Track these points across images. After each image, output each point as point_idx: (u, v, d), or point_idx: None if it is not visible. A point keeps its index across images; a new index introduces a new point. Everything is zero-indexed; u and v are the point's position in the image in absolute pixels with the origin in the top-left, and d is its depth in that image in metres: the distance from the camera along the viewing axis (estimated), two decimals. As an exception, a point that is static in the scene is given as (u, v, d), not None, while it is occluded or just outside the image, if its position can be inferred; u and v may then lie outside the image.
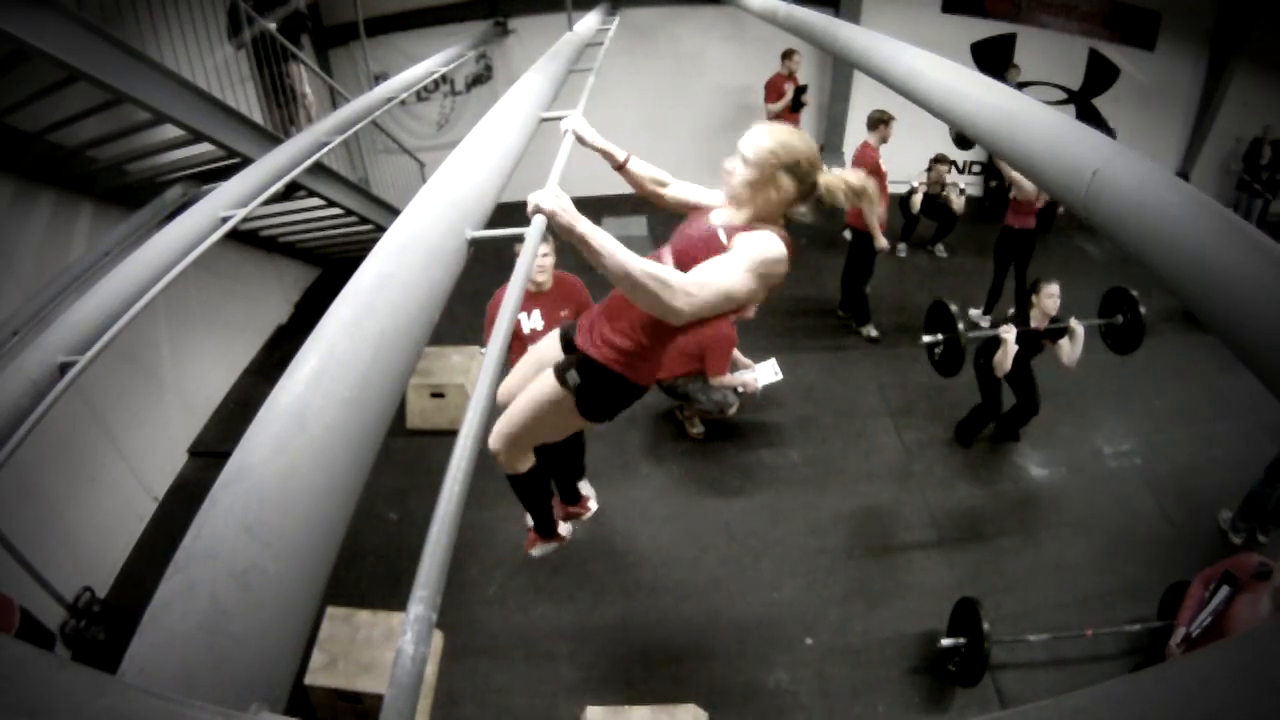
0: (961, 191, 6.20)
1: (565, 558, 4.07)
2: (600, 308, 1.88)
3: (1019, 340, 4.14)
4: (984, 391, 4.51)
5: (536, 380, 1.95)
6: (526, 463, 2.22)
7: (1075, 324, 4.16)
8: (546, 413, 1.94)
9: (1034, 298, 4.19)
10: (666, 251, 1.77)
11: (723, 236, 1.68)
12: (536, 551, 2.74)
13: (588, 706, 3.06)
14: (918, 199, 6.30)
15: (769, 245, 1.63)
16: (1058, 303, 4.14)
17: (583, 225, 1.42)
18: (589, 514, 3.09)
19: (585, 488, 3.76)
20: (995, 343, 4.20)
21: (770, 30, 4.86)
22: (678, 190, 2.02)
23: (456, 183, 1.46)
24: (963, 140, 6.47)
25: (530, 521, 2.66)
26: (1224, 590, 2.49)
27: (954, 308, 4.14)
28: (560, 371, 1.87)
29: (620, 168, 2.03)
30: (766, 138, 1.68)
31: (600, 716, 3.01)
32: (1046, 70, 7.69)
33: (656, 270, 1.45)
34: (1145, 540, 4.10)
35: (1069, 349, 4.19)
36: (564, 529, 2.76)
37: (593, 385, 1.85)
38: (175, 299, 4.45)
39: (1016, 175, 5.35)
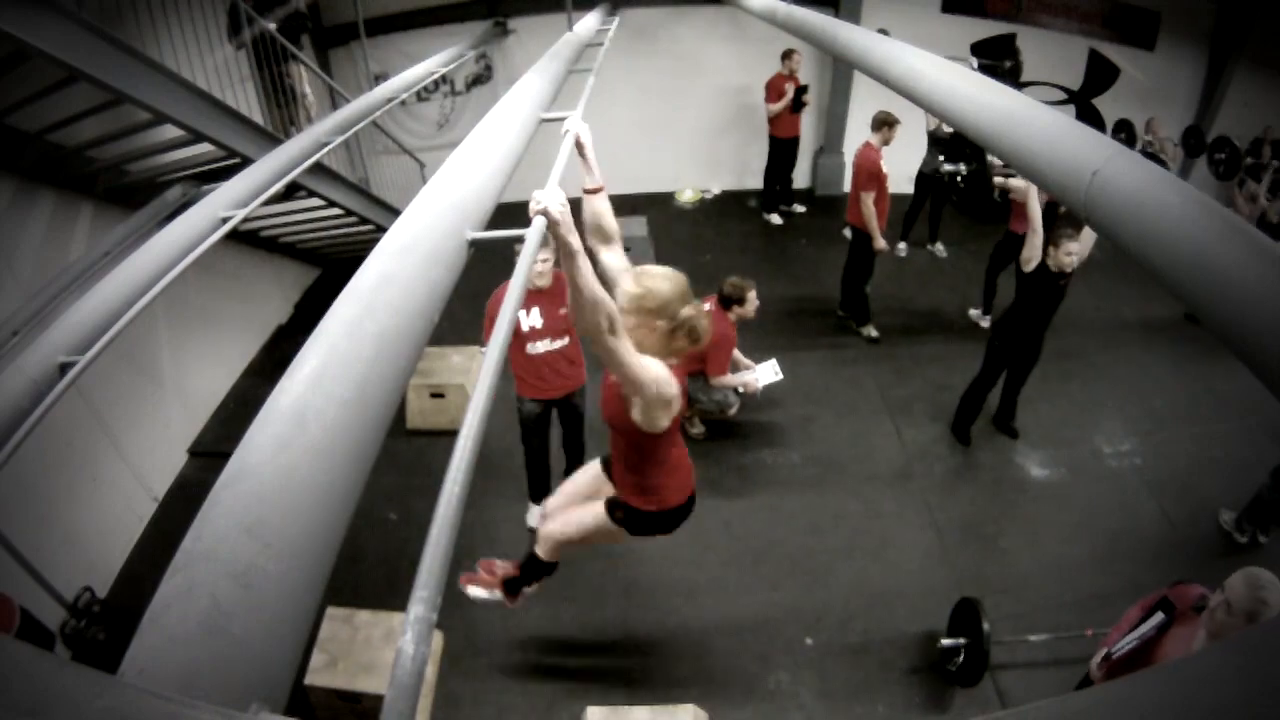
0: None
1: (565, 558, 4.07)
2: (620, 463, 2.19)
3: (1043, 287, 4.09)
4: (992, 350, 4.50)
5: (589, 509, 2.30)
6: (558, 555, 2.53)
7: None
8: (596, 531, 2.29)
9: (1051, 249, 4.04)
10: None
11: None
12: (475, 593, 2.78)
13: (588, 706, 3.06)
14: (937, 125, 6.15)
15: (655, 365, 1.84)
16: (1076, 260, 4.01)
17: (575, 241, 1.50)
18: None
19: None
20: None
21: (770, 30, 4.86)
22: (612, 259, 2.13)
23: (456, 183, 1.46)
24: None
25: (515, 578, 2.71)
26: (1158, 617, 2.35)
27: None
28: (610, 510, 2.22)
29: (590, 192, 2.12)
30: (633, 284, 1.90)
31: (600, 716, 3.01)
32: (1046, 70, 7.69)
33: (609, 304, 1.61)
34: (1145, 540, 4.10)
35: (1087, 240, 4.02)
36: (528, 591, 2.77)
37: (638, 524, 2.22)
38: (175, 299, 4.45)
39: (1014, 183, 5.29)
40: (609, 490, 2.34)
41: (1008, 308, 4.50)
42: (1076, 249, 4.00)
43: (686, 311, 1.90)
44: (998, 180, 5.12)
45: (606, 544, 2.54)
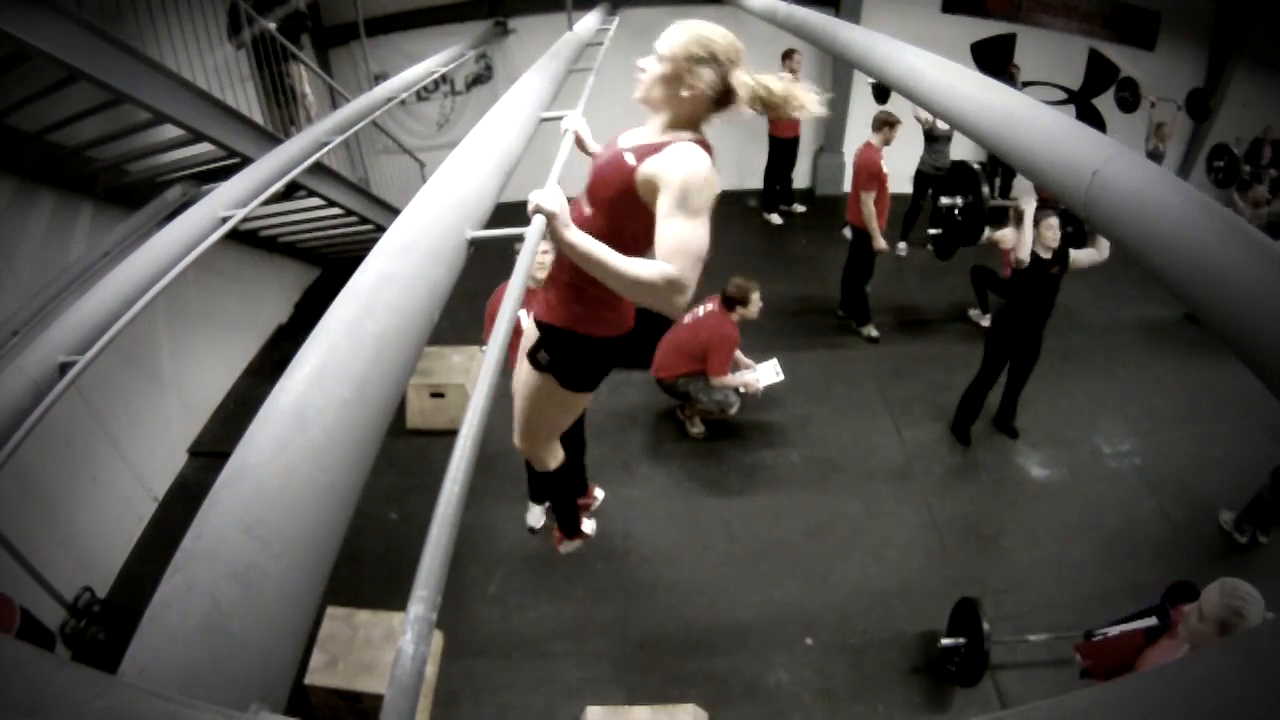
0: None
1: (565, 558, 4.07)
2: (563, 277, 1.77)
3: (1035, 280, 4.07)
4: (991, 349, 4.49)
5: (520, 370, 1.94)
6: (555, 459, 2.22)
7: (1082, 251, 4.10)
8: (539, 400, 1.92)
9: (1035, 230, 4.08)
10: (582, 198, 1.67)
11: (629, 158, 1.53)
12: (566, 549, 2.70)
13: (588, 706, 3.06)
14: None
15: (692, 167, 1.46)
16: (1058, 234, 4.06)
17: (576, 236, 1.40)
18: (596, 503, 3.09)
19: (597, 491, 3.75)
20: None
21: (770, 30, 4.86)
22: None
23: (456, 183, 1.46)
24: (881, 92, 6.25)
25: (556, 519, 2.65)
26: (1150, 620, 2.30)
27: (976, 165, 4.05)
28: (531, 356, 1.83)
29: None
30: (683, 30, 1.54)
31: (600, 716, 3.01)
32: (1046, 70, 7.69)
33: (653, 269, 1.40)
34: (1145, 540, 4.10)
35: (1094, 251, 4.09)
36: (588, 525, 2.72)
37: (562, 356, 1.79)
38: (175, 299, 4.45)
39: (997, 236, 5.08)
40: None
41: (1004, 305, 4.51)
42: (1056, 223, 4.03)
43: (744, 79, 1.54)
44: (987, 237, 5.01)
45: (564, 416, 2.02)
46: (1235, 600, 2.02)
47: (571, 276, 1.68)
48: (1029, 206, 4.04)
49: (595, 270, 1.41)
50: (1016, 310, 4.35)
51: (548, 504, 3.96)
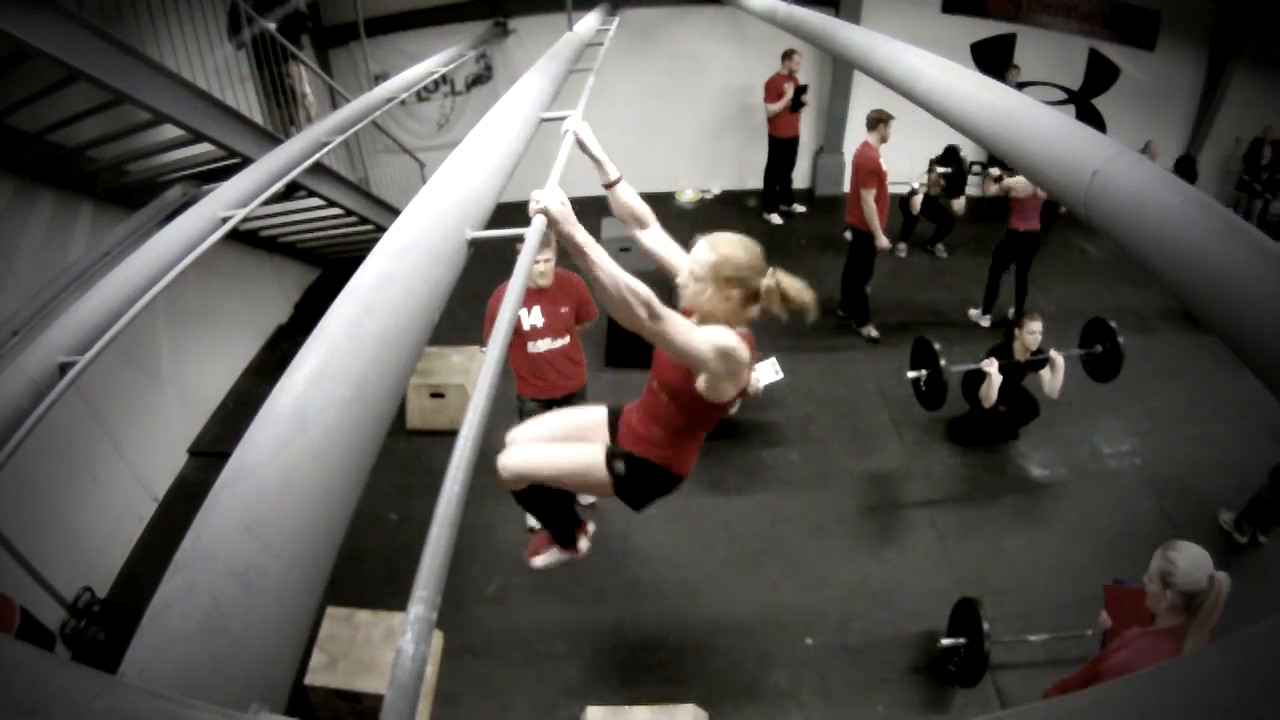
0: (964, 193, 6.14)
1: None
2: (638, 410, 2.05)
3: (1003, 371, 4.29)
4: (974, 411, 4.60)
5: (582, 449, 2.05)
6: (522, 485, 2.17)
7: (1055, 355, 4.36)
8: (578, 479, 2.05)
9: (1016, 330, 4.35)
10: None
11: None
12: (540, 561, 2.56)
13: (588, 706, 3.06)
14: (918, 200, 6.30)
15: (723, 334, 1.75)
16: (1039, 339, 4.33)
17: (581, 235, 1.46)
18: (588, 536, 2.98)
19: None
20: (980, 375, 4.35)
21: (770, 30, 4.86)
22: (653, 240, 2.08)
23: (456, 183, 1.46)
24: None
25: (536, 525, 2.57)
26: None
27: (937, 346, 4.29)
28: (609, 458, 2.00)
29: (609, 186, 2.06)
30: (709, 251, 1.81)
31: (600, 716, 3.01)
32: (1047, 70, 7.69)
33: (640, 290, 1.52)
34: (1145, 540, 4.06)
35: (1050, 379, 4.39)
36: (583, 543, 2.57)
37: (636, 477, 2.00)
38: (175, 299, 4.45)
39: (1009, 182, 5.35)
40: (601, 438, 2.12)
41: (969, 383, 4.55)
42: (1039, 328, 4.31)
43: (767, 282, 1.82)
44: (993, 174, 5.19)
45: (579, 490, 2.16)
46: (1169, 550, 2.20)
47: (672, 431, 1.96)
48: (991, 368, 4.29)
49: (599, 273, 1.49)
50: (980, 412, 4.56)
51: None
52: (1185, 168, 7.17)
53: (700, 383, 1.80)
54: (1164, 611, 2.21)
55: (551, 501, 2.34)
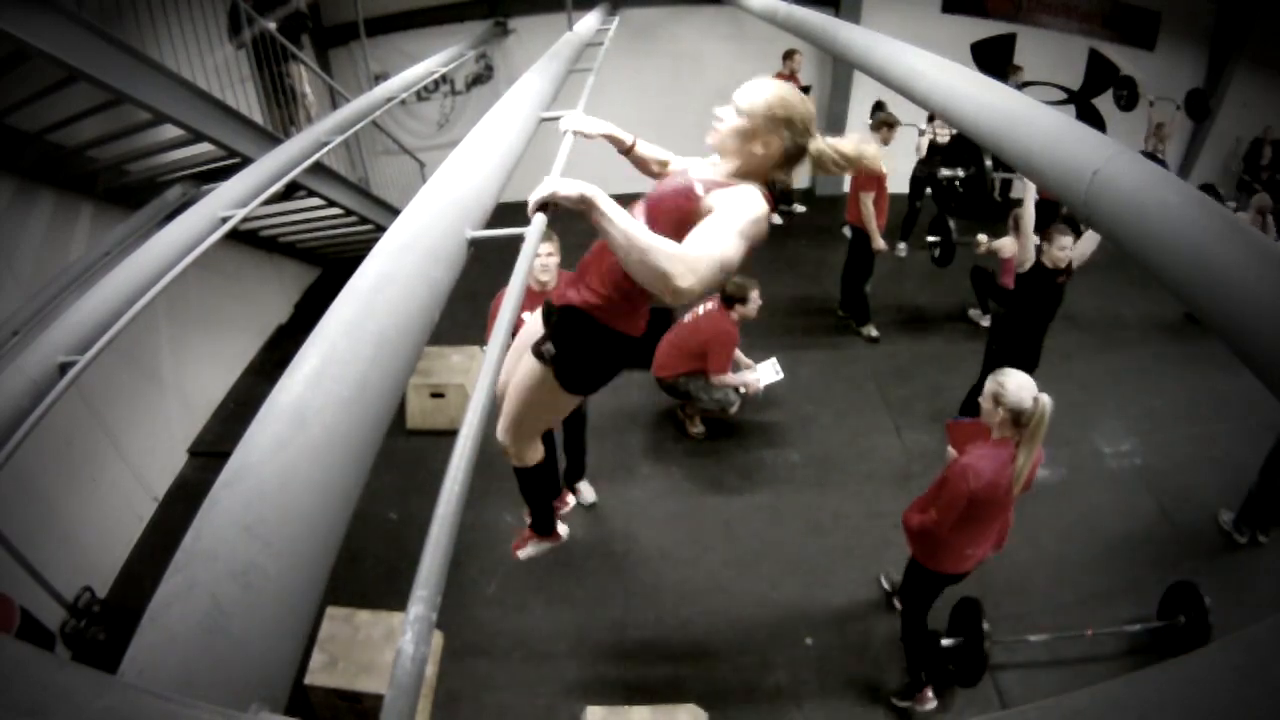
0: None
1: (565, 557, 4.06)
2: (576, 271, 1.80)
3: (1039, 289, 4.04)
4: (991, 354, 4.44)
5: (520, 363, 1.92)
6: (535, 455, 2.20)
7: (1085, 233, 4.00)
8: (533, 394, 1.89)
9: (1044, 245, 4.00)
10: (640, 206, 1.69)
11: (699, 189, 1.58)
12: (526, 553, 2.64)
13: (588, 706, 3.06)
14: (924, 142, 6.26)
15: (752, 203, 1.52)
16: (1069, 254, 3.97)
17: (588, 190, 1.32)
18: (567, 509, 3.02)
19: (585, 488, 3.70)
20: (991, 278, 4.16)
21: (770, 30, 4.86)
22: (676, 163, 1.99)
23: (456, 183, 1.46)
24: None
25: (527, 520, 2.61)
26: None
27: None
28: (537, 347, 1.81)
29: (627, 151, 2.01)
30: (765, 90, 1.60)
31: (600, 716, 3.01)
32: (1047, 70, 7.69)
33: (663, 244, 1.34)
34: (1145, 540, 4.09)
35: (1090, 239, 3.98)
36: (562, 529, 2.68)
37: (568, 349, 1.76)
38: (175, 299, 4.45)
39: (996, 245, 5.11)
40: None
41: (1005, 311, 4.49)
42: (1069, 242, 3.96)
43: (816, 145, 1.59)
44: (981, 241, 5.07)
45: (550, 415, 2.01)
46: (996, 380, 2.72)
47: (612, 265, 1.63)
48: (1028, 204, 3.99)
49: (613, 229, 1.34)
50: (1018, 317, 4.31)
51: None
52: (1198, 99, 6.85)
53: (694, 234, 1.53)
54: (997, 426, 2.74)
55: (541, 487, 2.37)
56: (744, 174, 1.63)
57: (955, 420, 3.47)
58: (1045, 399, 2.69)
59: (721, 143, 1.65)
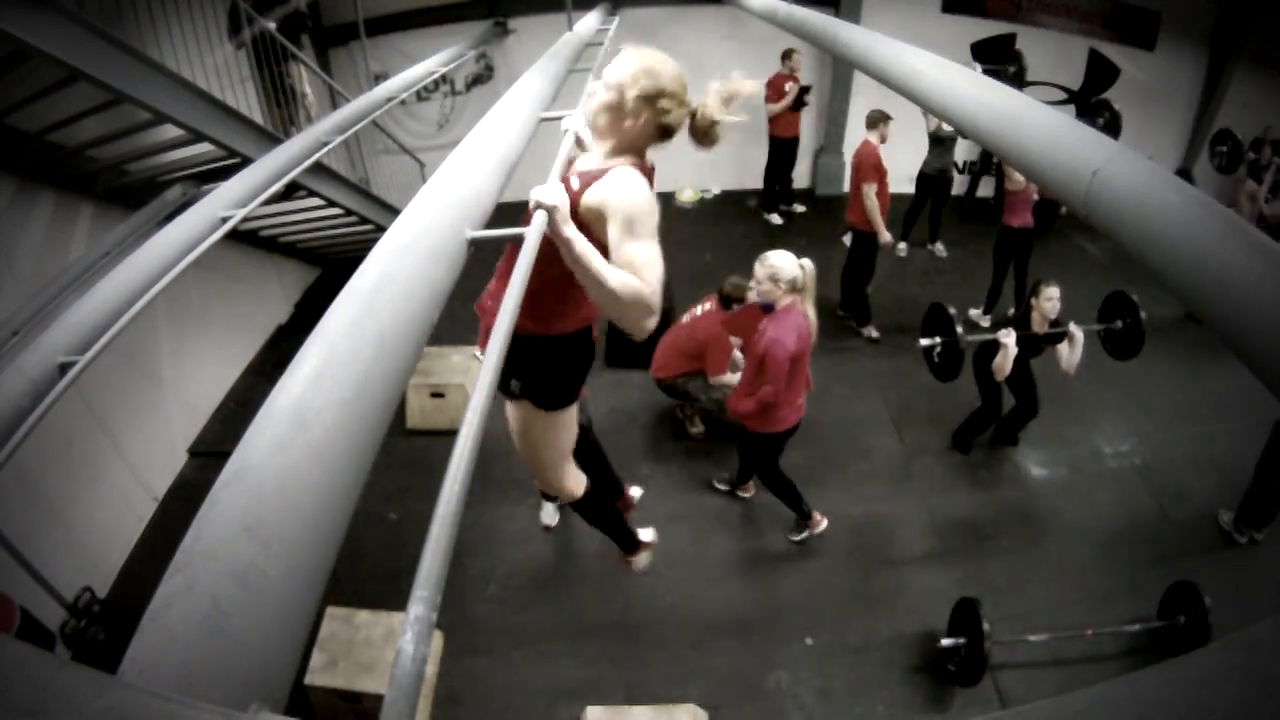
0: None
1: (565, 558, 4.07)
2: (491, 297, 1.76)
3: (1018, 344, 4.09)
4: (983, 394, 4.50)
5: (509, 417, 1.97)
6: (579, 485, 2.24)
7: (1074, 329, 4.08)
8: (532, 431, 1.94)
9: (1033, 300, 4.14)
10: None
11: (574, 182, 1.55)
12: (637, 567, 2.71)
13: (588, 706, 3.06)
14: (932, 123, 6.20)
15: (632, 195, 1.48)
16: (1058, 306, 4.09)
17: (569, 230, 1.39)
18: (635, 504, 3.08)
19: (633, 490, 3.66)
20: (994, 346, 4.16)
21: (770, 30, 4.86)
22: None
23: (456, 183, 1.46)
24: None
25: (613, 542, 2.64)
26: None
27: (952, 310, 4.09)
28: (504, 389, 1.81)
29: None
30: (632, 62, 1.57)
31: (600, 716, 3.01)
32: (1047, 70, 7.69)
33: (630, 281, 1.41)
34: (1145, 540, 4.09)
35: (1068, 354, 4.12)
36: (646, 534, 2.68)
37: (533, 372, 1.76)
38: (175, 299, 4.45)
39: (1008, 171, 5.34)
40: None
41: (980, 359, 4.42)
42: (1056, 293, 4.07)
43: (687, 109, 1.58)
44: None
45: (559, 441, 2.00)
46: (764, 264, 3.40)
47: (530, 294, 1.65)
48: (1008, 338, 4.06)
49: (581, 271, 1.42)
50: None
51: (559, 501, 3.92)
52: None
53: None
54: (781, 298, 3.42)
55: (603, 513, 2.43)
56: (619, 151, 1.61)
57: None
58: (808, 262, 3.48)
59: (593, 123, 1.63)
